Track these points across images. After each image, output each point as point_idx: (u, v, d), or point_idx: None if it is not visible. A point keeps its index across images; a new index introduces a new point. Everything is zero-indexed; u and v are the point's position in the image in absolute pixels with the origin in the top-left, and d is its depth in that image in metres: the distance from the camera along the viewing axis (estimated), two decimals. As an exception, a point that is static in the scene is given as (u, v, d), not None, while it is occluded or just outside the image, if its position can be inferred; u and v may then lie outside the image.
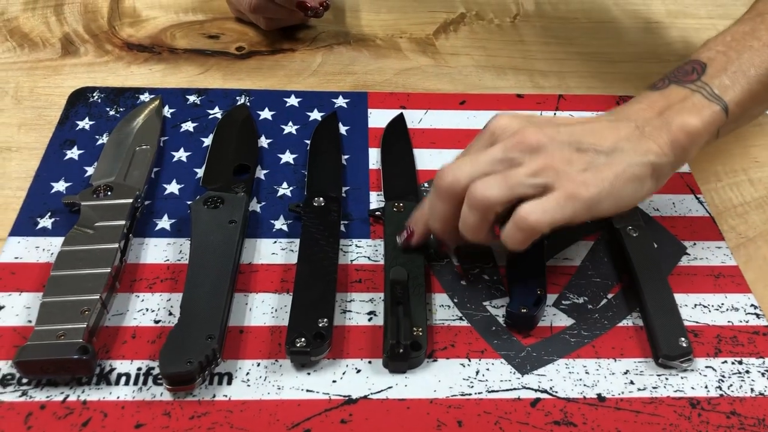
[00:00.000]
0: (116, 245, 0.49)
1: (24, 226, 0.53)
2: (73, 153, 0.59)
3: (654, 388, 0.46)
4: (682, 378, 0.47)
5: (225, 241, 0.50)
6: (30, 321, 0.47)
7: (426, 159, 0.61)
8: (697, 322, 0.50)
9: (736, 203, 0.59)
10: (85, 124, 0.62)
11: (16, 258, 0.51)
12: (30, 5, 0.75)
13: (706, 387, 0.46)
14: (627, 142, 0.45)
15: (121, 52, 0.70)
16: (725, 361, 0.48)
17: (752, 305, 0.51)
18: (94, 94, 0.64)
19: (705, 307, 0.51)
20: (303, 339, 0.45)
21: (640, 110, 0.47)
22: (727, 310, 0.51)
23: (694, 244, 0.55)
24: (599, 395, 0.46)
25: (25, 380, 0.44)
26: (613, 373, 0.47)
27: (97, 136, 0.60)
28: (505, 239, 0.45)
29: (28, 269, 0.50)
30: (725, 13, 0.81)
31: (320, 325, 0.46)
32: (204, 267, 0.49)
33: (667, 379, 0.47)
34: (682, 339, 0.47)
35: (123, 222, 0.51)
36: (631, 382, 0.46)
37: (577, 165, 0.44)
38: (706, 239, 0.55)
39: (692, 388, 0.46)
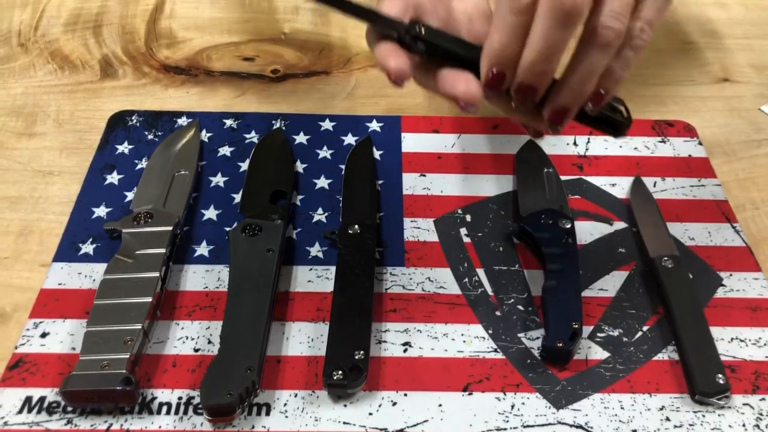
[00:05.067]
0: (157, 274, 0.50)
1: (67, 252, 0.54)
2: (113, 178, 0.60)
3: (690, 425, 0.46)
4: (719, 415, 0.46)
5: (263, 271, 0.51)
6: (74, 348, 0.48)
7: (460, 184, 0.61)
8: (734, 357, 0.50)
9: (774, 232, 0.59)
10: (124, 148, 0.63)
11: (60, 284, 0.52)
12: (70, 27, 0.76)
13: (743, 425, 0.46)
14: None
15: (159, 75, 0.71)
16: (763, 398, 0.47)
17: (790, 340, 0.51)
18: (133, 118, 0.66)
19: (742, 341, 0.50)
20: (340, 371, 0.46)
21: None
22: (765, 344, 0.50)
23: (731, 275, 0.55)
24: (635, 431, 0.46)
25: (70, 408, 0.45)
26: (648, 409, 0.47)
27: (136, 161, 0.62)
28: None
29: (71, 295, 0.51)
30: (763, 32, 0.80)
31: (356, 357, 0.46)
32: (243, 297, 0.49)
33: (704, 416, 0.46)
34: (720, 375, 0.47)
35: (164, 250, 0.52)
36: (667, 419, 0.46)
37: None
38: (742, 270, 0.55)
39: (729, 426, 0.46)
